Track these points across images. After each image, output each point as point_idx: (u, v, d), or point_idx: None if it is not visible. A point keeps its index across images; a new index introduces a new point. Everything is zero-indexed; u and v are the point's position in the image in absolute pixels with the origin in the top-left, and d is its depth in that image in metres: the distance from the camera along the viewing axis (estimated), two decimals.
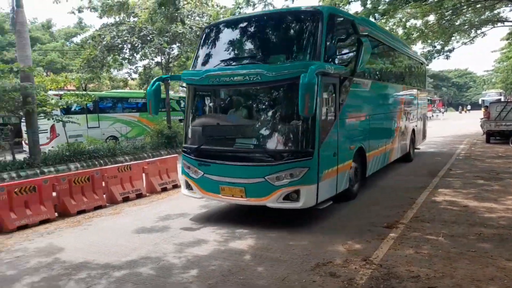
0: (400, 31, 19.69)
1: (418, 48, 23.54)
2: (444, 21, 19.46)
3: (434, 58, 21.88)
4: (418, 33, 19.97)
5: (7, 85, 12.85)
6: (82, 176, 8.18)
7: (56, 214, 7.61)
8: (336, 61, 6.85)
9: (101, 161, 15.34)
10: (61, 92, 16.67)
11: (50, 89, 15.36)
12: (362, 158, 8.20)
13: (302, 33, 6.64)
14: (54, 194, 7.70)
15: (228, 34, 7.21)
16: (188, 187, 7.06)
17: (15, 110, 13.93)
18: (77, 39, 36.33)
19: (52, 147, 16.47)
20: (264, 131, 6.45)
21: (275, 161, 6.02)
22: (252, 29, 7.06)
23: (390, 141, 10.40)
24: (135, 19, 18.38)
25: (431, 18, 19.77)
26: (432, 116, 46.34)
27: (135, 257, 5.33)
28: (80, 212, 7.81)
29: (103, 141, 17.72)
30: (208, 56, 7.29)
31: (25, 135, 15.93)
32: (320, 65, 5.96)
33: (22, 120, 15.30)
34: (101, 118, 19.38)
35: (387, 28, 17.83)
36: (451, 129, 27.74)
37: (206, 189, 6.70)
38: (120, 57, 19.49)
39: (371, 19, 12.36)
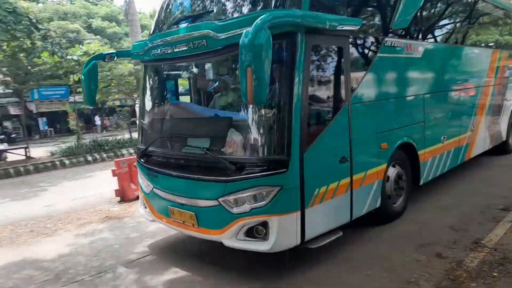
0: None
1: None
2: None
3: None
4: None
5: (124, 71, 14.38)
6: None
7: None
8: (343, 12, 4.48)
9: None
10: None
11: None
12: (411, 158, 5.68)
13: None
14: None
15: None
16: (144, 204, 5.20)
17: (131, 93, 15.54)
18: None
19: None
20: (217, 129, 4.38)
21: (232, 174, 3.86)
22: None
23: (469, 128, 7.28)
24: None
25: None
26: None
27: None
28: None
29: None
30: (164, 19, 5.13)
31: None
32: (283, 14, 3.59)
33: (136, 102, 16.99)
34: None
35: None
36: None
37: (157, 210, 4.83)
38: None
39: None
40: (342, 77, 4.37)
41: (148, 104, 5.42)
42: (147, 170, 4.85)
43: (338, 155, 4.31)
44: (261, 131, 3.96)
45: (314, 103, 4.12)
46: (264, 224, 3.83)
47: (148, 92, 5.41)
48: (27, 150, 15.13)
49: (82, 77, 5.01)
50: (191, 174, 4.24)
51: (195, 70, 5.18)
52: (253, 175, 3.79)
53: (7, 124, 27.18)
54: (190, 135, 4.60)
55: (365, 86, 4.73)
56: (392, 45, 5.21)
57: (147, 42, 4.67)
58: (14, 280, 4.57)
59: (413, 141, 5.62)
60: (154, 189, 4.76)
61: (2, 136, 21.42)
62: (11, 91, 23.37)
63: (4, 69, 20.81)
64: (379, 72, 5.00)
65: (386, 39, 5.10)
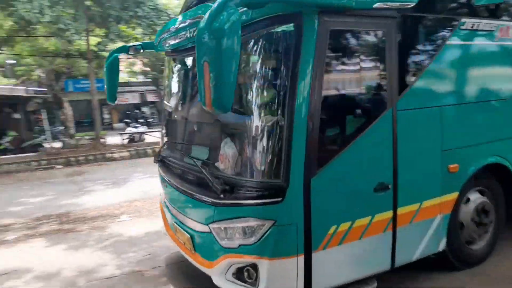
0: None
1: None
2: None
3: None
4: None
5: None
6: None
7: None
8: None
9: None
10: None
11: None
12: (504, 183, 4.07)
13: None
14: None
15: None
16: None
17: None
18: None
19: None
20: (214, 137, 3.49)
21: (223, 197, 2.95)
22: None
23: None
24: None
25: None
26: None
27: None
28: None
29: None
30: (183, 6, 4.34)
31: None
32: None
33: None
34: None
35: None
36: None
37: (168, 223, 4.23)
38: None
39: None
40: (383, 74, 3.19)
41: (168, 102, 4.63)
42: (161, 176, 4.28)
43: (372, 180, 3.13)
44: (255, 145, 2.93)
45: (333, 110, 3.06)
46: (254, 267, 2.93)
47: (169, 88, 4.70)
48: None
49: (104, 71, 4.41)
50: (189, 189, 3.46)
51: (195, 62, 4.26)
52: (240, 201, 2.92)
53: (145, 109, 30.68)
54: (193, 142, 3.92)
55: (423, 85, 3.39)
56: (474, 27, 3.63)
57: (162, 30, 4.10)
58: (154, 248, 5.11)
59: (508, 162, 3.99)
60: (165, 200, 4.22)
61: (142, 120, 24.35)
62: (149, 80, 26.29)
63: (145, 60, 23.55)
64: (449, 66, 3.56)
65: (463, 20, 3.54)
